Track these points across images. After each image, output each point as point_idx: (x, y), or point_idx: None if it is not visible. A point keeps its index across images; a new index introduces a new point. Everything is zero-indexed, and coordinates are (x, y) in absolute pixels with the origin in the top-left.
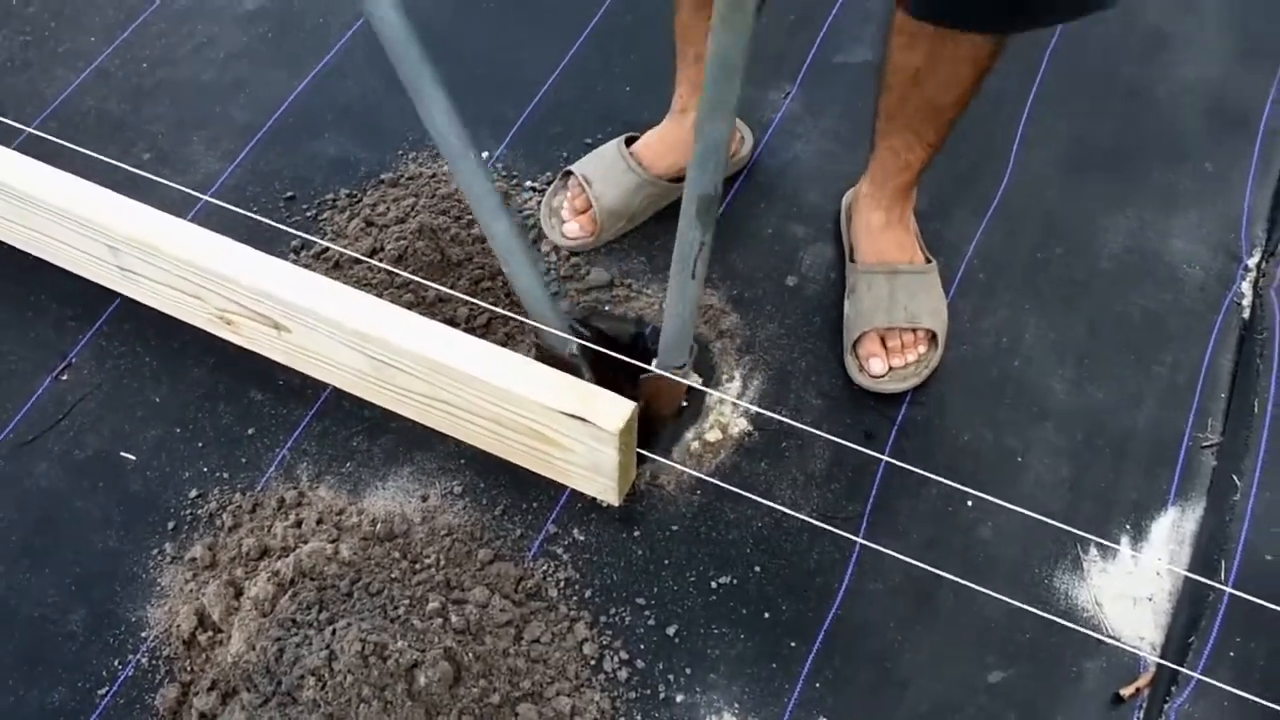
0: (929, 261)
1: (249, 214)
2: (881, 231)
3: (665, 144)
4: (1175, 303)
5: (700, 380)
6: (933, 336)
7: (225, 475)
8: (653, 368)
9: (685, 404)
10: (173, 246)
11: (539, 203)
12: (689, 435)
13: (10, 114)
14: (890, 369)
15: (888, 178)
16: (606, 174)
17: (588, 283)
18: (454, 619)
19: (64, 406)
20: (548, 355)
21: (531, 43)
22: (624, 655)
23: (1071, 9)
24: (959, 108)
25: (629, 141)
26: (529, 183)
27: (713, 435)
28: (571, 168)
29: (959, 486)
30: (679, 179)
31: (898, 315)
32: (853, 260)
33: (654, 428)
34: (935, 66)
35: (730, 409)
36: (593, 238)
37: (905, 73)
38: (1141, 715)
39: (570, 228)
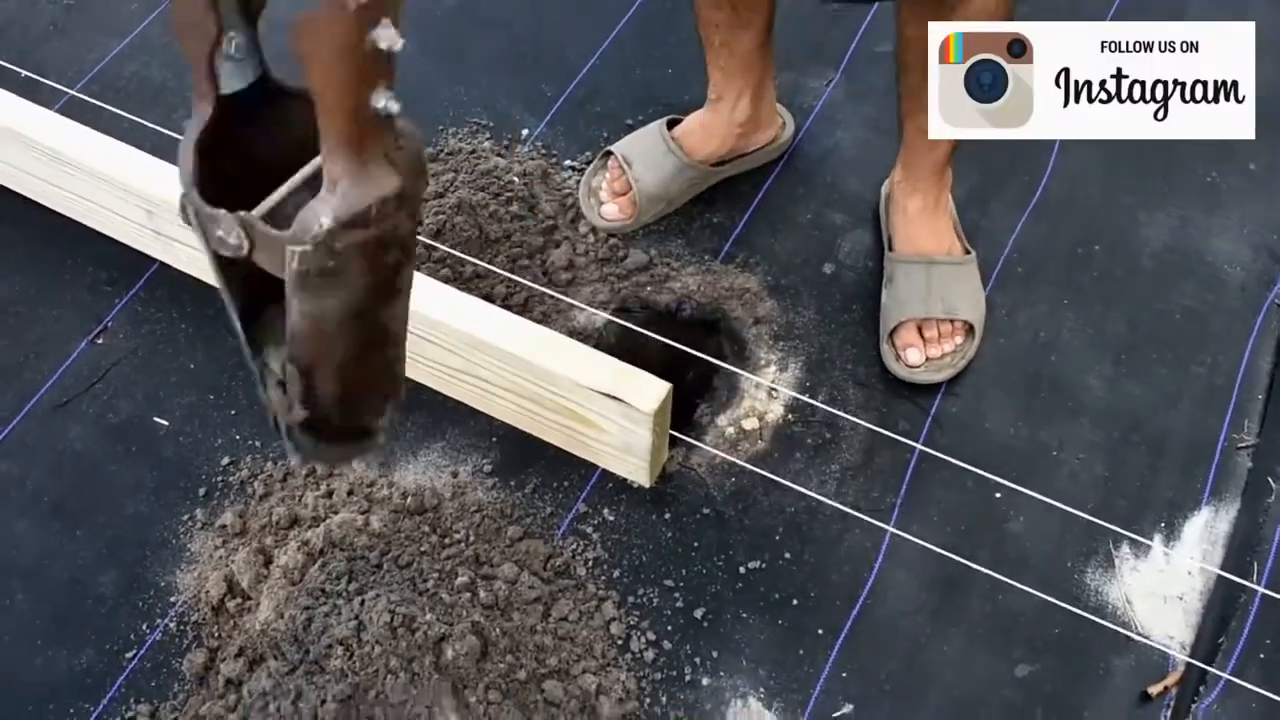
0: (967, 252)
1: None
2: (918, 217)
3: (706, 130)
4: (1215, 303)
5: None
6: (970, 328)
7: (257, 444)
8: None
9: (718, 389)
10: None
11: (578, 181)
12: (722, 419)
13: (52, 77)
14: (927, 359)
15: (918, 159)
16: (647, 156)
17: (625, 266)
18: (482, 594)
19: (99, 370)
20: None
21: (575, 21)
22: (651, 636)
23: None
24: None
25: (670, 125)
26: (568, 161)
27: (746, 420)
28: (612, 148)
29: (992, 478)
30: (719, 164)
31: (935, 306)
32: (891, 249)
33: None
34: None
35: (765, 394)
36: (631, 220)
37: (918, 47)
38: (1169, 714)
39: (609, 209)
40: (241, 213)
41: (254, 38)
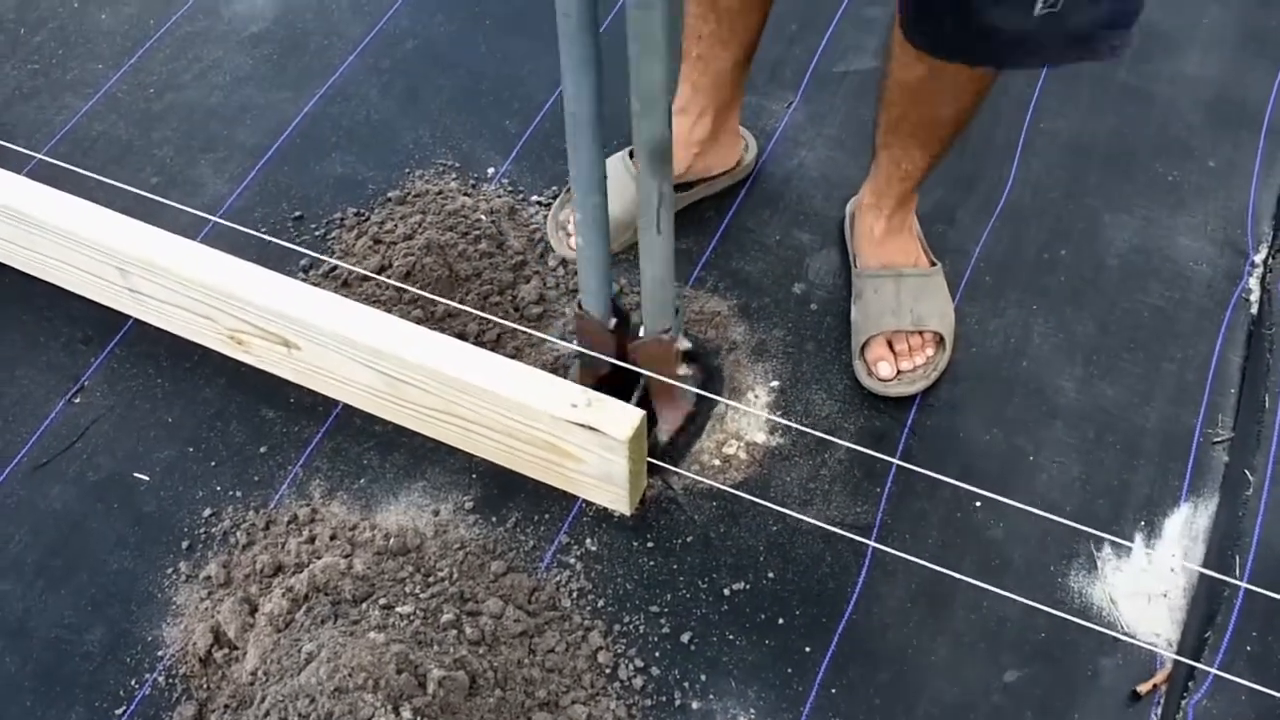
0: (933, 264)
1: (258, 234)
2: (884, 238)
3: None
4: (1183, 300)
5: (690, 345)
6: (940, 339)
7: (238, 494)
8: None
9: (694, 412)
10: (182, 267)
11: (545, 217)
12: (699, 444)
13: (20, 141)
14: (899, 373)
15: (889, 186)
16: (611, 185)
17: None
18: (468, 630)
19: (78, 429)
20: (587, 328)
21: (534, 58)
22: (639, 663)
23: (1059, 54)
24: (959, 124)
25: (632, 154)
26: (535, 197)
27: (723, 443)
28: None
29: (971, 488)
30: (682, 186)
31: (904, 319)
32: (856, 266)
33: (656, 410)
34: (935, 86)
35: (741, 416)
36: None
37: (905, 90)
38: (1159, 712)
39: (578, 240)
40: None
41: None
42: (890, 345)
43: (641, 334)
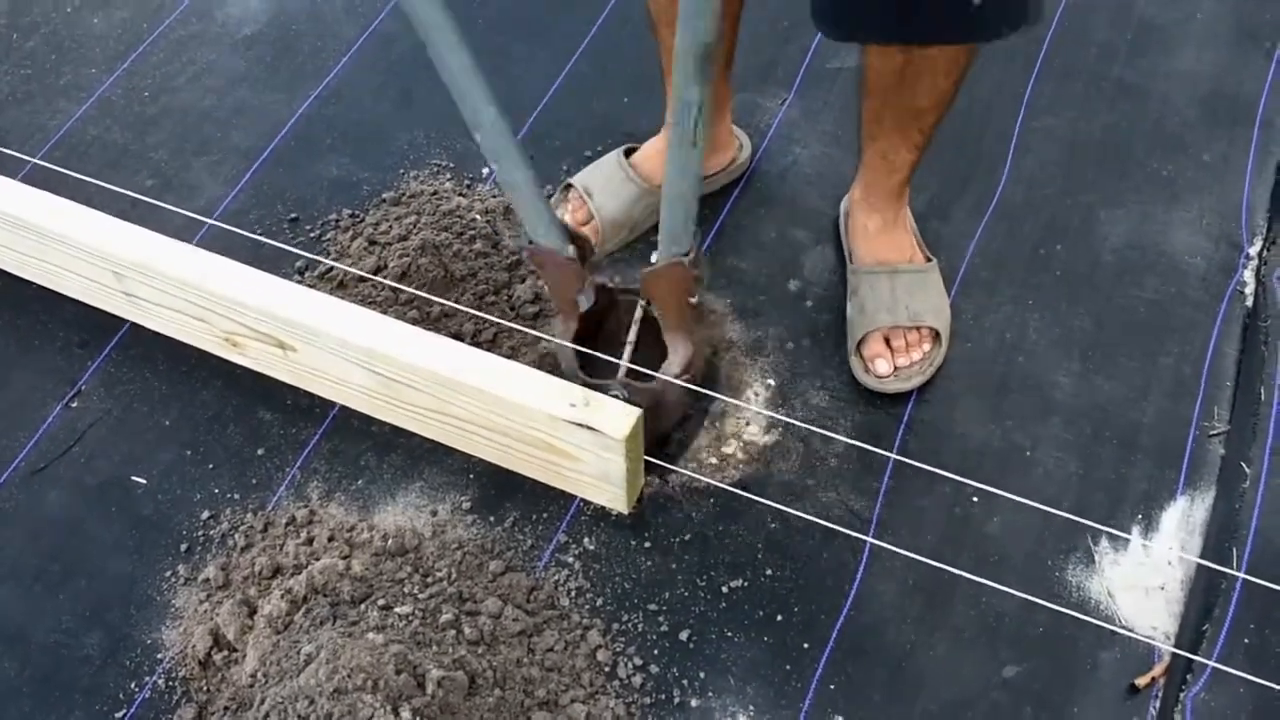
0: (929, 260)
1: (253, 236)
2: (878, 234)
3: (663, 155)
4: (1178, 294)
5: (710, 273)
6: (936, 335)
7: (236, 496)
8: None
9: (690, 414)
10: (177, 270)
11: None
12: (696, 442)
13: (14, 146)
14: (895, 369)
15: (878, 181)
16: (606, 185)
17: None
18: (467, 630)
19: (75, 433)
20: (546, 264)
21: (528, 59)
22: (638, 661)
23: (963, 30)
24: (940, 110)
25: (629, 153)
26: None
27: (720, 440)
28: (572, 180)
29: (968, 483)
30: None
31: (900, 314)
32: (852, 262)
33: (668, 345)
34: (911, 72)
35: (737, 414)
36: (595, 249)
37: (883, 79)
38: (1158, 705)
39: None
40: (620, 378)
41: (593, 281)
42: (887, 341)
43: (654, 259)
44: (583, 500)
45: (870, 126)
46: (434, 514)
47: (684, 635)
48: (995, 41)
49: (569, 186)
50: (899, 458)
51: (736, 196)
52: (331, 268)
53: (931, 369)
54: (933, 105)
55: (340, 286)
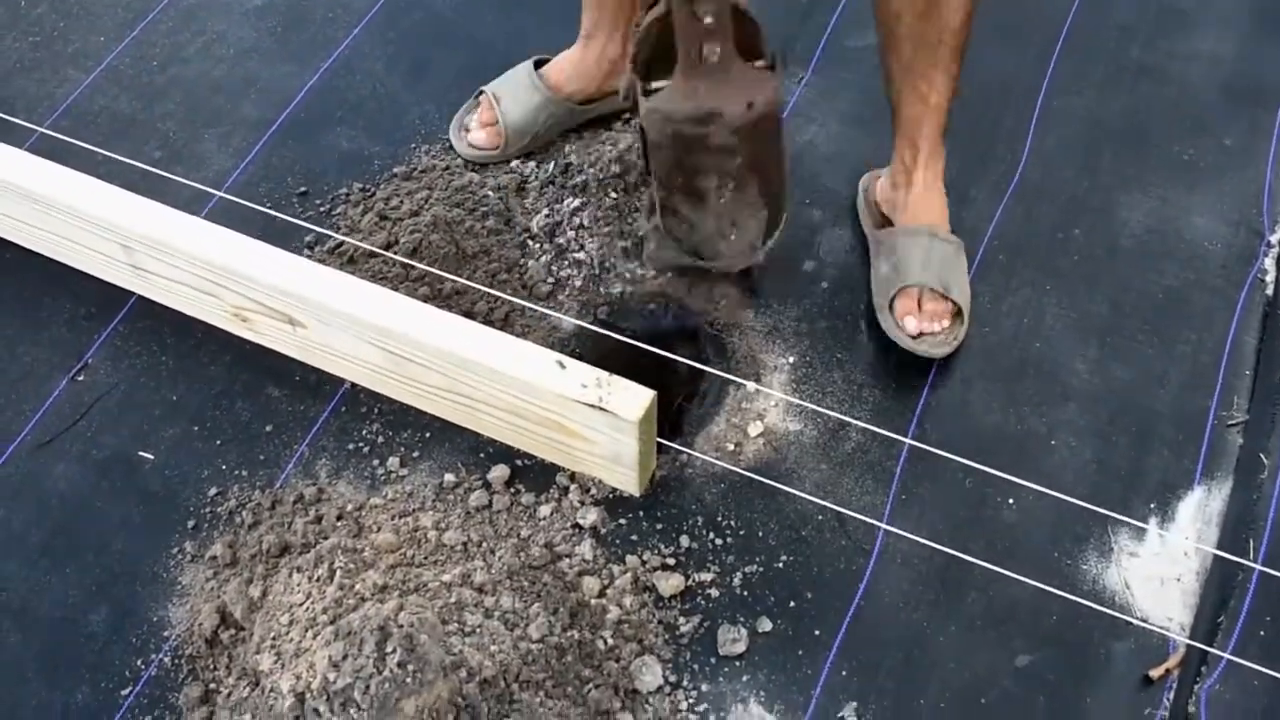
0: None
1: (262, 209)
2: (920, 196)
3: (574, 67)
4: (1198, 280)
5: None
6: (959, 311)
7: (244, 473)
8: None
9: (704, 394)
10: (186, 243)
11: (554, 194)
12: (709, 425)
13: (21, 115)
14: (921, 333)
15: (919, 128)
16: (514, 92)
17: (606, 276)
18: (477, 610)
19: (81, 407)
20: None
21: (541, 31)
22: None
23: None
24: (967, 26)
25: (539, 64)
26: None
27: (733, 424)
28: (484, 87)
29: (983, 469)
30: (585, 102)
31: (933, 279)
32: (886, 227)
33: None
34: None
35: (752, 396)
36: (498, 150)
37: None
38: (1171, 696)
39: (476, 136)
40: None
41: None
42: (919, 302)
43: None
44: (595, 481)
45: (900, 67)
46: (443, 492)
47: (696, 620)
48: None
49: (481, 92)
50: (914, 443)
51: None
52: (341, 242)
53: (955, 342)
54: (962, 22)
55: (350, 262)
